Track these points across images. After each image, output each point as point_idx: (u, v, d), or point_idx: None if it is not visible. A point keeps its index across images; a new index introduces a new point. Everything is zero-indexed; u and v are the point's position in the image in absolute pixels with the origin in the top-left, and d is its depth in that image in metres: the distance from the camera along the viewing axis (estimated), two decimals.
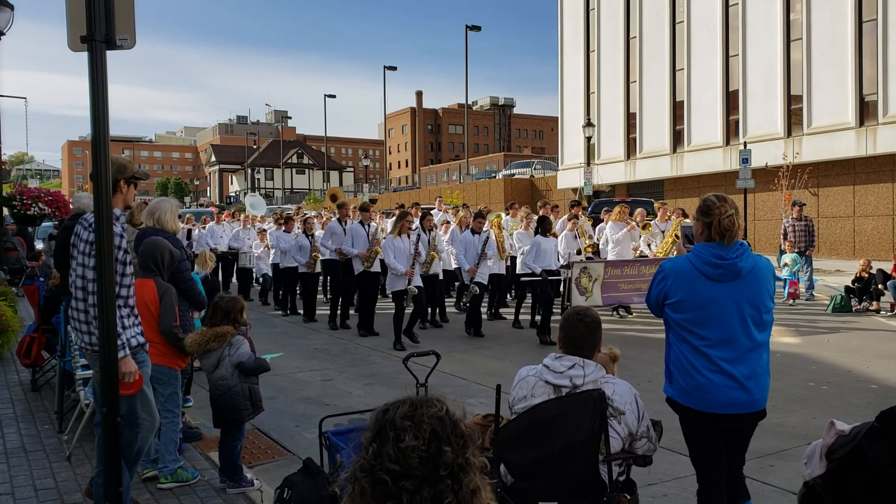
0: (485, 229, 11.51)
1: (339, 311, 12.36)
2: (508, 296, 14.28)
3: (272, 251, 15.14)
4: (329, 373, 8.82)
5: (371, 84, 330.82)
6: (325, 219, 16.71)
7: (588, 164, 30.85)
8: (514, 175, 45.16)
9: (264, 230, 15.97)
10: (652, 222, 13.60)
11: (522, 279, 11.10)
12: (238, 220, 18.22)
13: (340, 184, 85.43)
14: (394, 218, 15.53)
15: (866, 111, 24.33)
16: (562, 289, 11.41)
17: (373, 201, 32.95)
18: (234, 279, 18.25)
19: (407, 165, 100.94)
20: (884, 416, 2.88)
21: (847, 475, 3.10)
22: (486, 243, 10.98)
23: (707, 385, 3.39)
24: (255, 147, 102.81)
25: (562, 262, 11.59)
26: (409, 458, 1.73)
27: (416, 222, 11.64)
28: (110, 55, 3.59)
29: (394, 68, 53.19)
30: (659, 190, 31.09)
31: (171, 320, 4.82)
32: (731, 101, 29.06)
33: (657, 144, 32.17)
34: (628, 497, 3.36)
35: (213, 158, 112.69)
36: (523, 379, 3.41)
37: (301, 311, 13.52)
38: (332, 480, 3.56)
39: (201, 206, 66.99)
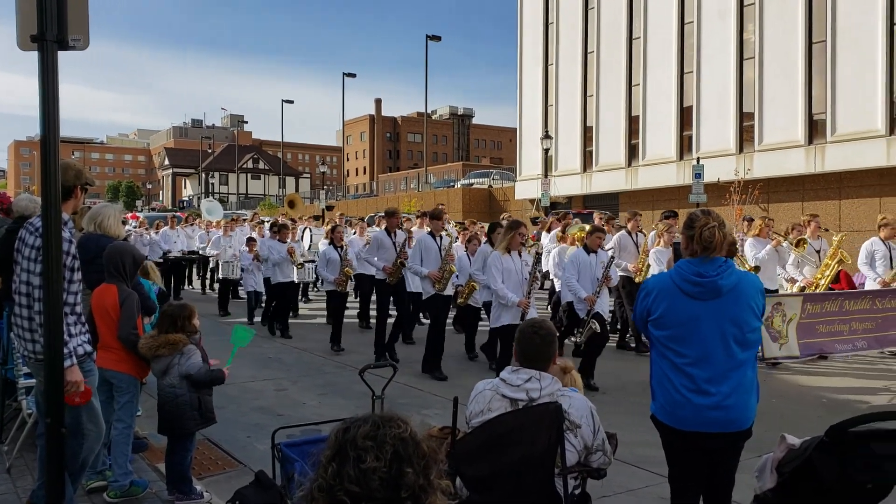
0: (609, 246, 9.09)
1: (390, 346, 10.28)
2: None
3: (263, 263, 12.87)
4: (283, 382, 8.69)
5: (330, 90, 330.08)
6: (293, 227, 15.90)
7: (546, 175, 31.11)
8: (472, 185, 45.27)
9: (254, 239, 13.87)
10: (806, 238, 11.14)
11: None
12: (196, 224, 17.86)
13: (297, 190, 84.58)
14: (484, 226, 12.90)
15: (815, 130, 24.99)
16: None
17: (329, 208, 32.71)
18: (209, 288, 17.60)
19: (365, 173, 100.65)
20: (833, 431, 2.93)
21: (796, 488, 3.15)
22: (608, 266, 8.52)
23: (685, 403, 3.35)
24: (209, 151, 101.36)
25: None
26: (369, 479, 1.70)
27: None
28: (61, 55, 3.49)
29: (353, 75, 52.97)
30: (614, 203, 31.46)
31: (130, 327, 4.71)
32: (685, 117, 29.58)
33: (613, 158, 32.58)
34: None
35: (167, 162, 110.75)
36: (480, 393, 3.39)
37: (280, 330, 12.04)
38: (285, 494, 3.50)
39: (153, 210, 65.68)
